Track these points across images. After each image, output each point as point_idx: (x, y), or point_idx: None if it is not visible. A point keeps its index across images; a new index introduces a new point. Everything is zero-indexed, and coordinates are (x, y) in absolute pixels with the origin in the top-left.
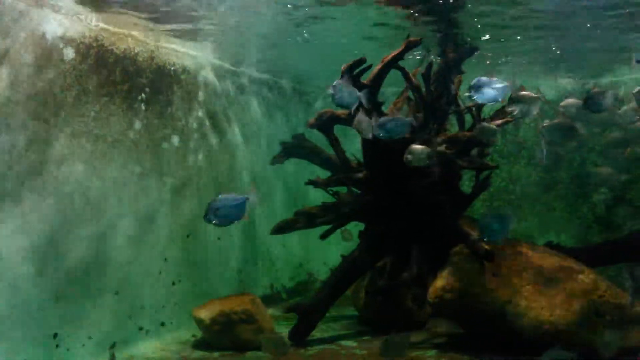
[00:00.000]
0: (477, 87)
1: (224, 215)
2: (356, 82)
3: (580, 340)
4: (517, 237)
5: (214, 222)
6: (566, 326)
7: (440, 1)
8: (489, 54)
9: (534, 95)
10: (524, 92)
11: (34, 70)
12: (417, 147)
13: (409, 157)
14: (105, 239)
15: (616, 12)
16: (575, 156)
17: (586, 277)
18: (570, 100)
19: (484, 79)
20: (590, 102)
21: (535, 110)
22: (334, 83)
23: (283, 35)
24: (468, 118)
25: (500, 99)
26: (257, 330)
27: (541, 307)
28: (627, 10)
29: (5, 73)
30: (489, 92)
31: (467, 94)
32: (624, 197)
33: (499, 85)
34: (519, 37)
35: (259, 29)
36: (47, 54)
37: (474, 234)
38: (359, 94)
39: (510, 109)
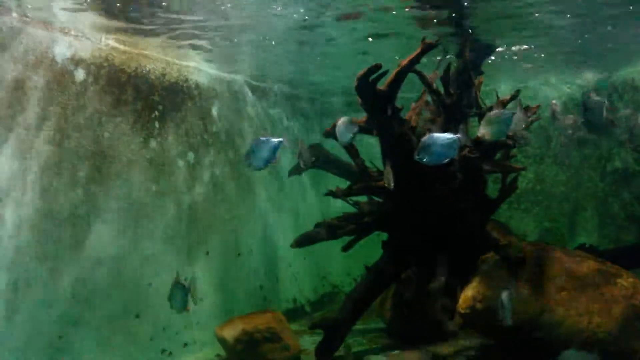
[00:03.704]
0: (426, 147)
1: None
2: (372, 90)
3: (622, 349)
4: (547, 240)
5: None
6: (607, 334)
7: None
8: (507, 52)
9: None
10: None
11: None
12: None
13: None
14: (123, 260)
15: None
16: (604, 152)
17: (625, 280)
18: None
19: (433, 135)
20: (590, 112)
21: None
22: (253, 143)
23: (300, 47)
24: None
25: (452, 156)
26: (282, 348)
27: (578, 314)
28: None
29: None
30: (437, 151)
31: (416, 157)
32: None
33: (448, 140)
34: (537, 29)
35: (275, 41)
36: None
37: (504, 240)
38: (279, 143)
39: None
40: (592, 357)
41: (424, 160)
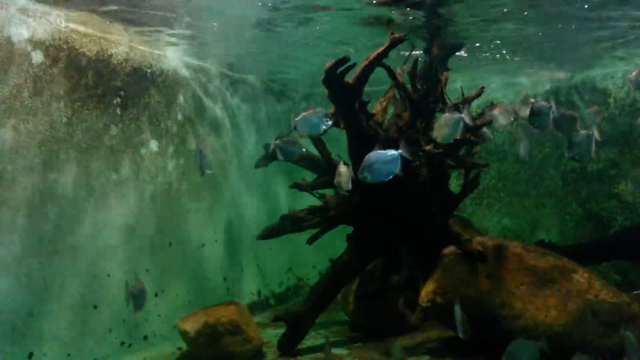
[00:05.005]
0: (368, 166)
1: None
2: (340, 83)
3: (577, 342)
4: (507, 235)
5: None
6: (562, 327)
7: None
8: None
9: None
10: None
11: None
12: (343, 169)
13: (337, 179)
14: (81, 250)
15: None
16: (564, 151)
17: (581, 276)
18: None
19: (375, 153)
20: (536, 117)
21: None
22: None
23: (267, 34)
24: None
25: (394, 172)
26: (244, 341)
27: (536, 308)
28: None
29: None
30: (380, 168)
31: (361, 176)
32: (612, 191)
33: (390, 157)
34: (507, 29)
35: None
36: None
37: (465, 235)
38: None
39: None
40: (538, 345)
41: (367, 179)
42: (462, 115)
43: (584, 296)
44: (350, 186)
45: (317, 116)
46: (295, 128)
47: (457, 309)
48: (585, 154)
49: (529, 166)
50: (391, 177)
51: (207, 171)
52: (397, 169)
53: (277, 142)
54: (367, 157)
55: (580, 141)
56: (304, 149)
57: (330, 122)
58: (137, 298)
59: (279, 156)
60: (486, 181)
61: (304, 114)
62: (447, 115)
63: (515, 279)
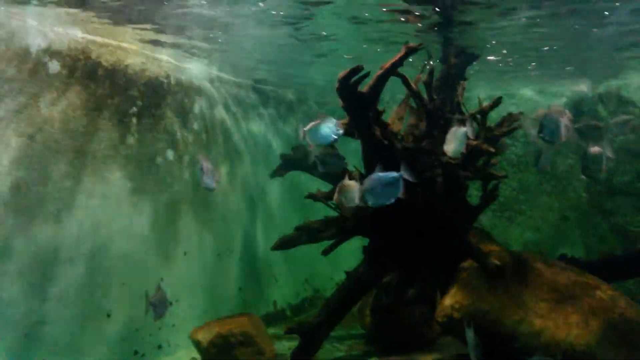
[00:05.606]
0: (370, 190)
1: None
2: (354, 92)
3: None
4: (529, 249)
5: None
6: (584, 347)
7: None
8: (497, 61)
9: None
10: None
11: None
12: (350, 183)
13: (341, 197)
14: (97, 259)
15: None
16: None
17: (604, 293)
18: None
19: (374, 177)
20: (546, 130)
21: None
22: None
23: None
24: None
25: (397, 195)
26: (256, 352)
27: (556, 326)
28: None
29: None
30: (382, 193)
31: (362, 201)
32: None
33: (392, 180)
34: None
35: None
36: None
37: (485, 248)
38: (215, 179)
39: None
40: None
41: (369, 203)
42: (465, 129)
43: (608, 314)
44: (357, 203)
45: (327, 125)
46: (304, 137)
47: (470, 333)
48: (598, 170)
49: (551, 178)
50: (393, 200)
51: (212, 186)
52: (399, 192)
53: (318, 154)
54: (367, 180)
55: (592, 158)
56: (346, 161)
57: (340, 131)
58: (157, 307)
59: (320, 168)
60: (507, 193)
61: (313, 123)
62: (454, 129)
63: (534, 295)
